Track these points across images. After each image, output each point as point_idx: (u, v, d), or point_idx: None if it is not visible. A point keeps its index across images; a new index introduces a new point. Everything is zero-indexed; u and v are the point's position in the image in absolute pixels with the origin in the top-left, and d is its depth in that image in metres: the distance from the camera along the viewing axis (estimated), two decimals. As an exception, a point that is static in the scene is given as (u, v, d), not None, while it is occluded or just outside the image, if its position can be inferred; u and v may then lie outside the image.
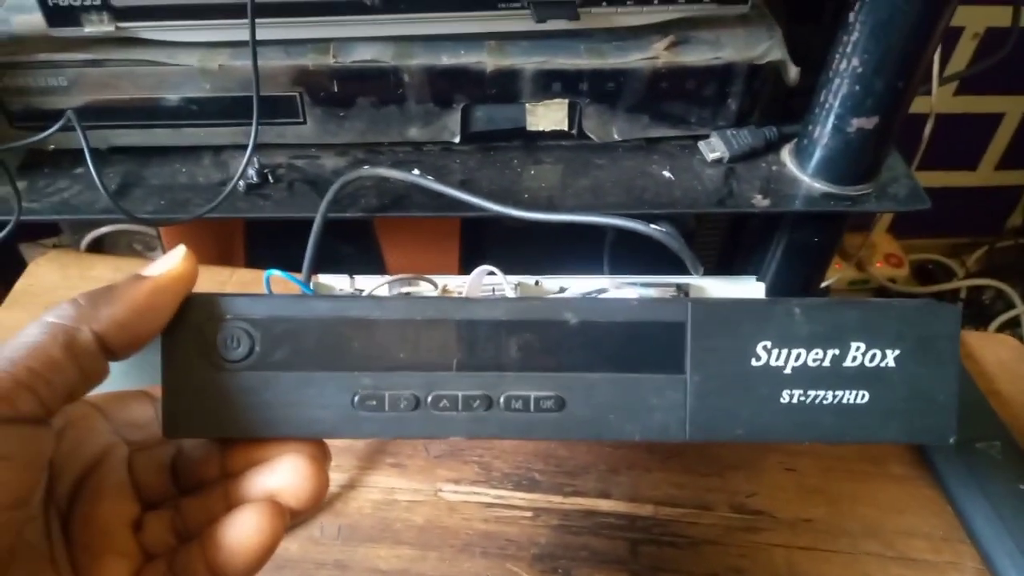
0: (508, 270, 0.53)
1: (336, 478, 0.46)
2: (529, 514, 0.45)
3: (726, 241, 0.80)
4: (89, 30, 0.49)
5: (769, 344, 0.28)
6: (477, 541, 0.44)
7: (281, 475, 0.27)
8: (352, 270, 0.53)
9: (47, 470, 0.26)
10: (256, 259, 0.70)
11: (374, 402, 0.28)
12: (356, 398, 0.28)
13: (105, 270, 0.58)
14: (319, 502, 0.28)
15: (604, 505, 0.46)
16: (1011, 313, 1.30)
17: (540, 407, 0.28)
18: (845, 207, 0.56)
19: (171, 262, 0.27)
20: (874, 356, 0.29)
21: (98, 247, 0.75)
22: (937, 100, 0.61)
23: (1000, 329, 1.29)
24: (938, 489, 0.47)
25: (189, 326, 0.28)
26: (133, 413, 0.30)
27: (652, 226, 0.49)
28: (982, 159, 1.29)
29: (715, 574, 0.43)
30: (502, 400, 0.28)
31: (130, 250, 0.78)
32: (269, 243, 0.70)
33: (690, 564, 0.43)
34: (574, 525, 0.45)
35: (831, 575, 0.43)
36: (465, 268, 0.65)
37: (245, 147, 0.55)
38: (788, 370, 0.29)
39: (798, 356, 0.28)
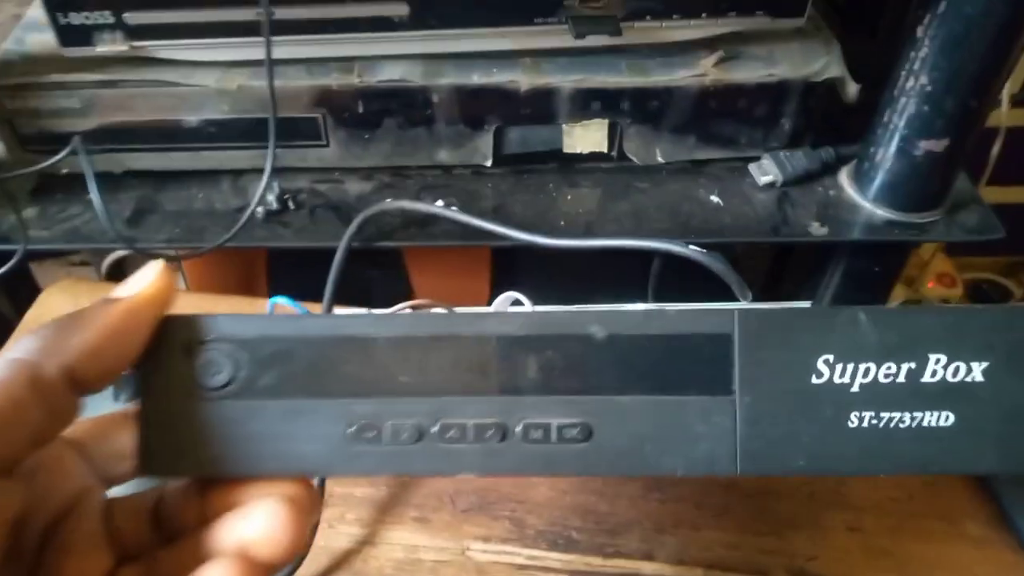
0: (543, 299, 0.49)
1: (354, 533, 0.43)
2: (566, 577, 0.41)
3: (772, 265, 0.76)
4: (102, 49, 0.47)
5: (832, 358, 0.24)
6: (508, 606, 0.40)
7: (255, 523, 0.24)
8: (378, 296, 0.50)
9: (11, 524, 0.22)
10: (279, 288, 0.66)
11: (371, 433, 0.25)
12: (351, 429, 0.25)
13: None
14: (297, 553, 0.25)
15: (648, 568, 0.41)
16: (1072, 337, 1.23)
17: (563, 437, 0.25)
18: (911, 236, 0.52)
19: (144, 280, 0.24)
20: (958, 369, 0.24)
21: (119, 268, 0.73)
22: (1008, 114, 0.57)
23: (1060, 353, 1.22)
24: (1021, 553, 0.42)
25: (166, 351, 0.25)
26: (115, 443, 0.27)
27: (692, 247, 0.46)
28: (1041, 174, 1.23)
29: (772, 649, 0.39)
30: (519, 429, 0.25)
31: (152, 272, 0.75)
32: (292, 271, 0.67)
33: (744, 637, 0.39)
34: (615, 589, 0.41)
35: (903, 651, 0.39)
36: (497, 295, 0.62)
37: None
38: (855, 388, 0.24)
39: (867, 371, 0.24)
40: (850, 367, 0.24)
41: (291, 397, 0.25)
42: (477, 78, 0.50)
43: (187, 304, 0.59)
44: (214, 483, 0.26)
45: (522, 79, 0.50)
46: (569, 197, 0.54)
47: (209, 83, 0.49)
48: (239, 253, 0.64)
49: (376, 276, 0.68)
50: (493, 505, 0.44)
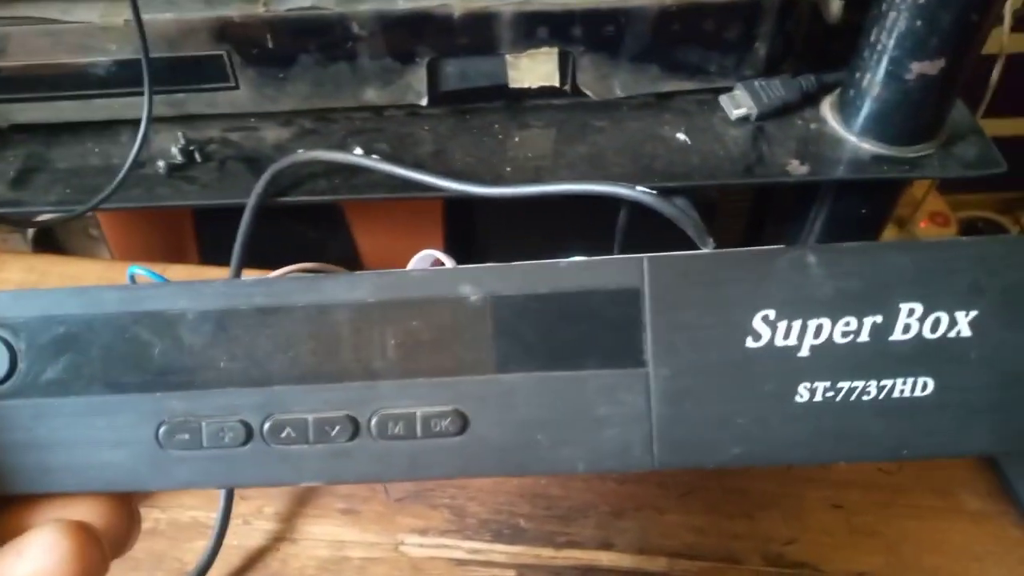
0: (505, 259, 0.44)
1: (272, 529, 0.38)
2: (512, 573, 0.36)
3: (753, 211, 0.70)
4: (-42, -20, 0.40)
5: (772, 314, 0.19)
6: (447, 607, 0.35)
7: (32, 560, 0.19)
8: (318, 260, 0.45)
9: None
10: (211, 251, 0.61)
11: (186, 435, 0.20)
12: (161, 430, 0.20)
13: (13, 271, 0.50)
14: None
15: (605, 559, 0.37)
16: (1071, 275, 1.18)
17: (431, 430, 0.20)
18: (901, 173, 0.46)
19: None
20: (938, 322, 0.19)
21: (49, 232, 0.67)
22: (1009, 38, 0.51)
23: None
24: (1025, 527, 0.38)
25: None
26: None
27: (639, 189, 0.40)
28: (1040, 104, 1.16)
29: (745, 647, 0.34)
30: (374, 422, 0.20)
31: (85, 236, 0.70)
32: (224, 233, 0.60)
33: (713, 634, 0.35)
34: (568, 584, 0.36)
35: (892, 643, 0.34)
36: (452, 253, 0.56)
37: (171, 120, 0.46)
38: (804, 352, 0.20)
39: (819, 330, 0.20)
40: (797, 325, 0.19)
41: (84, 393, 0.20)
42: (403, 2, 0.43)
43: (102, 274, 0.53)
44: (3, 503, 0.21)
45: (455, 2, 0.43)
46: (517, 139, 0.48)
47: (92, 19, 0.42)
48: (162, 215, 0.58)
49: (318, 238, 0.62)
50: (431, 492, 0.39)
